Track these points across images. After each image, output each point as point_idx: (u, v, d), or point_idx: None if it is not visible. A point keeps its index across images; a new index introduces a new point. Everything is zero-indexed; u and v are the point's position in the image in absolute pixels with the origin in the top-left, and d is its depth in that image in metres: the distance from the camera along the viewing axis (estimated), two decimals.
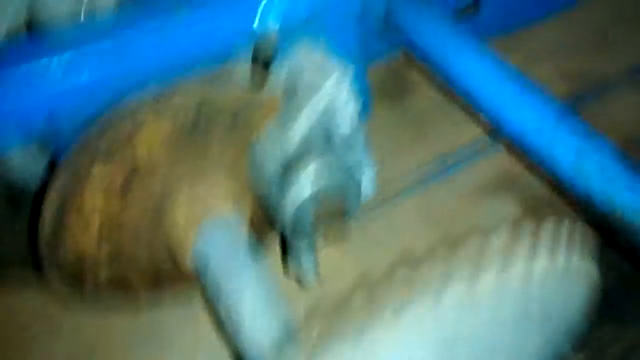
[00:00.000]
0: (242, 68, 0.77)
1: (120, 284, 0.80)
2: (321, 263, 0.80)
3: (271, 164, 0.75)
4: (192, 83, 0.70)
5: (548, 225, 0.56)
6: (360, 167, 0.78)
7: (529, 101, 0.78)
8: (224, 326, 0.70)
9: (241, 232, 0.74)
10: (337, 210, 0.76)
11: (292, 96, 0.75)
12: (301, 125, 0.73)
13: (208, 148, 0.74)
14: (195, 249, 0.73)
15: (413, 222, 1.03)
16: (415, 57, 0.93)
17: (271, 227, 0.85)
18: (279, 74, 0.78)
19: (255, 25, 0.74)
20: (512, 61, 0.84)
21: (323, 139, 0.76)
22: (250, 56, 0.76)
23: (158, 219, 0.76)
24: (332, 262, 0.85)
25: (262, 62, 0.77)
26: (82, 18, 0.76)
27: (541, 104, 0.78)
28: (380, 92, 1.19)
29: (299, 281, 0.82)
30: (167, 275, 0.82)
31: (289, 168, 0.73)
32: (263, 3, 0.74)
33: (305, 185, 0.71)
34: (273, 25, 0.75)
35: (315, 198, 0.72)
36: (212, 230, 0.73)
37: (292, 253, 0.79)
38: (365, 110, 0.84)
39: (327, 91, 0.73)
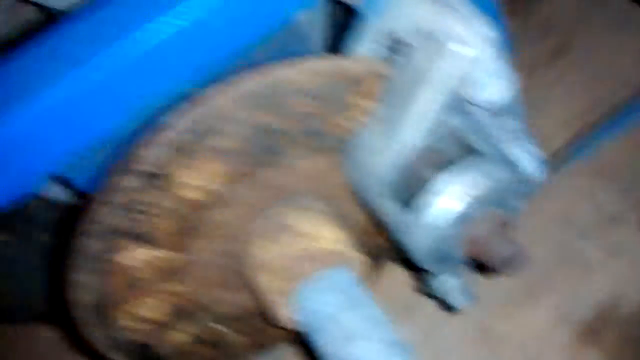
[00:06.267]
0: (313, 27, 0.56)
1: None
2: None
3: (383, 171, 0.55)
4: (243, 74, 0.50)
5: None
6: (519, 150, 0.54)
7: None
8: None
9: (352, 280, 0.57)
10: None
11: (403, 66, 0.53)
12: (421, 114, 0.52)
13: (288, 167, 0.56)
14: (298, 309, 0.56)
15: None
16: None
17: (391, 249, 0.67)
18: (375, 29, 0.54)
19: None
20: None
21: (459, 130, 0.53)
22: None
23: (235, 279, 0.60)
24: None
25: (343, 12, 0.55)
26: None
27: None
28: None
29: (445, 305, 0.65)
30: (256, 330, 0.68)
31: (415, 180, 0.53)
32: None
33: (446, 207, 0.52)
34: None
35: (462, 221, 0.52)
36: (318, 284, 0.56)
37: (431, 277, 0.63)
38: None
39: (460, 57, 0.50)
